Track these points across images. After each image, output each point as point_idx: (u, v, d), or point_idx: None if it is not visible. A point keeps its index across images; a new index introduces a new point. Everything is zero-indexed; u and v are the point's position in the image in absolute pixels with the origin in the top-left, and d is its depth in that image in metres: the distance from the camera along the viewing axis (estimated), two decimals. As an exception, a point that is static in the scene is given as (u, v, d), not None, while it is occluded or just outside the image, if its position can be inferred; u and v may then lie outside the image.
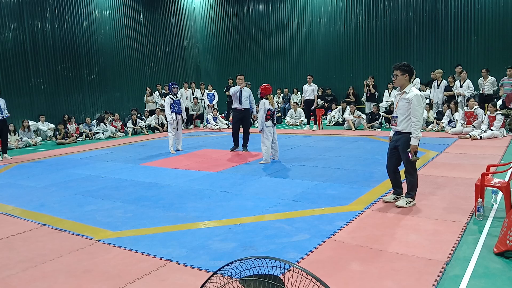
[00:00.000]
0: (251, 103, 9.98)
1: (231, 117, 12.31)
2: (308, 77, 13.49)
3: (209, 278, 1.69)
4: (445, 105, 12.34)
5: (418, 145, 5.00)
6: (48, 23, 15.17)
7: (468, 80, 12.36)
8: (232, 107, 10.12)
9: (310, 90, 13.40)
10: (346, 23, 17.00)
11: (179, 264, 3.82)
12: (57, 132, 13.46)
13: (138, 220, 5.16)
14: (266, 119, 8.20)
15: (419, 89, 13.61)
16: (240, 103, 9.76)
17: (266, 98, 8.25)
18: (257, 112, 8.82)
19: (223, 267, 1.65)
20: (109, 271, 3.76)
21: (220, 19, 20.45)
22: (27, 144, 13.07)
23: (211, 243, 4.28)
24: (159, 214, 5.36)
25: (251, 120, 10.53)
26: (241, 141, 9.99)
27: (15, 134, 12.96)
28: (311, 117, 13.77)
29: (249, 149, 9.92)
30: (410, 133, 4.95)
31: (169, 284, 3.45)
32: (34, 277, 3.73)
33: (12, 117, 13.79)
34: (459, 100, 12.35)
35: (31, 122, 13.83)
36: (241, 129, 10.00)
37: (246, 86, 9.94)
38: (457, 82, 12.52)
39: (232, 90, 9.88)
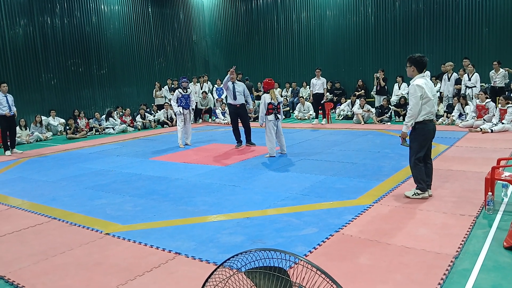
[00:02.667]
0: (246, 97, 9.81)
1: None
2: (317, 70, 13.43)
3: (214, 270, 1.71)
4: (455, 98, 12.22)
5: (425, 135, 5.02)
6: (58, 19, 15.26)
7: (476, 74, 12.20)
8: (227, 102, 9.86)
9: (319, 84, 13.34)
10: (355, 15, 16.84)
11: (188, 257, 3.85)
12: (68, 127, 13.59)
13: (147, 214, 5.21)
14: (269, 113, 8.22)
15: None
16: (234, 98, 9.61)
17: (268, 93, 8.27)
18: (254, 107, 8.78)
19: (228, 259, 1.66)
20: (119, 264, 3.81)
21: (229, 13, 20.39)
22: (38, 139, 13.22)
23: (219, 236, 4.30)
24: (168, 208, 5.40)
25: (250, 114, 10.33)
26: (244, 137, 9.91)
27: (26, 129, 13.11)
28: (319, 111, 13.72)
29: (256, 143, 9.91)
30: (416, 123, 4.99)
31: (178, 277, 3.49)
32: (45, 269, 3.78)
33: (23, 113, 13.96)
34: (466, 93, 12.21)
35: (42, 117, 13.98)
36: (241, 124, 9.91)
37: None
38: (465, 76, 12.37)
39: (224, 82, 9.62)
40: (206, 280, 1.74)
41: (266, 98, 8.23)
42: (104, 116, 14.98)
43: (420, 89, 4.88)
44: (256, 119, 15.06)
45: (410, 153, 5.18)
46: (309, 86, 14.21)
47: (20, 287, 3.48)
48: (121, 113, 15.30)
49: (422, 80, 4.97)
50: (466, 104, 11.69)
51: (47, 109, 14.72)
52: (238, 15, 20.07)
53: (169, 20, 19.43)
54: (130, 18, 17.77)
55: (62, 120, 14.67)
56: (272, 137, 8.28)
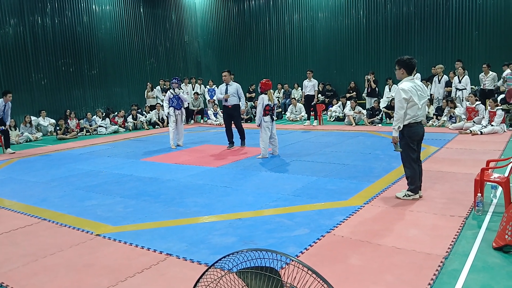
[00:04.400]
0: (240, 98, 9.80)
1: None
2: (308, 72, 13.48)
3: (206, 270, 1.71)
4: (444, 100, 12.35)
5: (411, 137, 5.04)
6: (49, 19, 15.14)
7: (466, 76, 12.32)
8: (223, 103, 9.96)
9: (310, 86, 13.39)
10: (347, 17, 16.93)
11: (179, 258, 3.84)
12: (58, 128, 13.48)
13: (138, 215, 5.19)
14: (265, 114, 8.21)
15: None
16: (226, 100, 9.64)
17: (266, 94, 8.26)
18: (251, 107, 8.78)
19: (220, 259, 1.66)
20: (110, 265, 3.78)
21: (221, 14, 20.39)
22: (28, 139, 13.10)
23: (211, 237, 4.30)
24: (159, 209, 5.38)
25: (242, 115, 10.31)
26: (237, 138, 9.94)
27: (16, 129, 12.98)
28: (311, 113, 13.77)
29: (248, 144, 9.92)
30: (403, 126, 5.03)
31: (169, 278, 3.48)
32: (35, 271, 3.75)
33: (13, 113, 13.78)
34: (457, 96, 12.33)
35: (31, 118, 13.86)
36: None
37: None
38: (456, 78, 12.49)
39: (218, 95, 9.80)
40: (198, 281, 1.74)
41: (264, 99, 8.21)
42: (95, 117, 14.86)
43: (405, 93, 4.90)
44: (247, 120, 15.09)
45: (402, 156, 5.22)
46: (301, 87, 14.26)
47: (9, 288, 3.45)
48: (113, 114, 15.22)
49: (409, 84, 4.98)
50: (455, 107, 11.81)
51: (37, 109, 14.59)
52: (231, 16, 20.07)
53: (161, 20, 19.37)
54: (122, 18, 17.68)
55: (53, 121, 14.55)
56: (266, 138, 8.29)
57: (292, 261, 1.50)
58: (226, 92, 9.58)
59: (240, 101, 9.77)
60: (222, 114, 15.54)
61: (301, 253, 3.82)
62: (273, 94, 17.40)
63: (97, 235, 4.56)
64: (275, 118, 8.55)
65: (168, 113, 10.28)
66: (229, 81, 9.70)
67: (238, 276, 1.64)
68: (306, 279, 1.47)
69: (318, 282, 1.43)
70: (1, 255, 4.14)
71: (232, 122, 9.80)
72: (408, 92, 4.90)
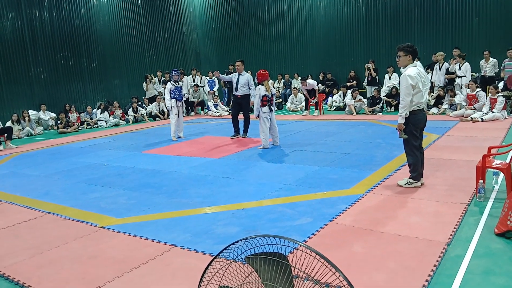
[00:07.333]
0: (251, 88, 9.83)
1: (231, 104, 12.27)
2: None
3: (215, 257, 1.72)
4: (439, 88, 12.33)
5: (416, 124, 5.03)
6: (46, 12, 15.06)
7: (466, 63, 12.27)
8: (233, 92, 10.16)
9: (310, 85, 13.53)
10: (346, 6, 16.82)
11: (184, 248, 3.87)
12: (59, 121, 13.48)
13: (142, 207, 5.21)
14: (262, 105, 8.21)
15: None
16: (236, 90, 9.78)
17: (262, 84, 8.25)
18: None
19: (228, 246, 1.68)
20: (115, 256, 3.81)
21: (219, 4, 20.25)
22: (29, 134, 13.10)
23: (214, 227, 4.32)
24: (162, 201, 5.41)
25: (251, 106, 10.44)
26: (242, 127, 10.01)
27: (19, 124, 12.96)
28: (311, 102, 13.75)
29: (250, 135, 9.93)
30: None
31: (174, 268, 3.50)
32: (40, 263, 3.78)
33: (14, 107, 13.84)
34: (456, 83, 12.31)
35: (32, 112, 13.86)
36: (241, 115, 10.00)
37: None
38: (456, 65, 12.45)
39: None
40: (207, 267, 1.75)
41: (261, 90, 8.22)
42: (95, 109, 14.85)
43: (412, 79, 4.89)
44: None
45: (405, 143, 5.22)
46: (301, 78, 14.36)
47: (16, 281, 3.47)
48: (111, 108, 15.21)
49: (415, 70, 4.97)
50: (455, 95, 11.80)
51: (37, 103, 14.58)
52: (229, 6, 19.94)
53: (159, 11, 19.25)
54: (120, 10, 17.58)
55: (53, 115, 14.54)
56: (266, 129, 8.30)
57: (300, 246, 1.51)
58: (237, 82, 9.67)
59: (250, 91, 9.82)
60: (222, 106, 15.71)
61: (304, 242, 3.84)
62: (273, 84, 17.48)
63: (101, 227, 4.58)
64: (274, 108, 8.56)
65: (171, 106, 10.24)
66: (241, 71, 9.79)
67: (246, 262, 1.65)
68: (314, 264, 1.48)
69: (326, 267, 1.45)
70: (6, 248, 4.17)
71: (241, 112, 9.89)
72: (415, 78, 4.90)
